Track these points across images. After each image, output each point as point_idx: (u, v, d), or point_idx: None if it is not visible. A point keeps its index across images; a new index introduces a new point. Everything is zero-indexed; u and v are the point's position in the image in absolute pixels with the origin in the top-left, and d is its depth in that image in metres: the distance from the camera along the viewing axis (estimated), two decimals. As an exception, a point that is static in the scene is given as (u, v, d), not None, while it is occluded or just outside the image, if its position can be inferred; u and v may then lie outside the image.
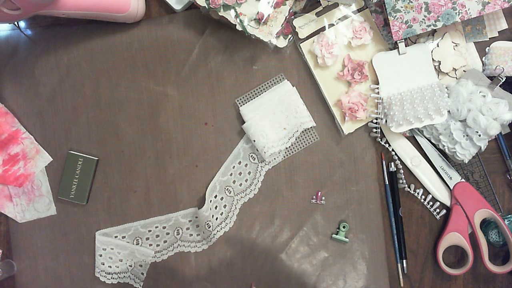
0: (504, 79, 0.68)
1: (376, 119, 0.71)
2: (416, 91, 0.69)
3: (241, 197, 0.74)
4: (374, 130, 0.72)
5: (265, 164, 0.74)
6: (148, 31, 0.73)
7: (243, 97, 0.73)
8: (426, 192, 0.74)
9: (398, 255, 0.73)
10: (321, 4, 0.71)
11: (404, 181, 0.73)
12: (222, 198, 0.74)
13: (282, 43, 0.71)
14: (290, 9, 0.68)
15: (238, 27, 0.67)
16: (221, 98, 0.74)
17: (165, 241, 0.75)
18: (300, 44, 0.72)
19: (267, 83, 0.73)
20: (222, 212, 0.74)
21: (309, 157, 0.74)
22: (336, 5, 0.71)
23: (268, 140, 0.71)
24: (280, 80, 0.73)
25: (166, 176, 0.74)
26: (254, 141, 0.71)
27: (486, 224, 0.72)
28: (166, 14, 0.74)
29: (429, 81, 0.69)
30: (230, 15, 0.67)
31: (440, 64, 0.70)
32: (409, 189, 0.73)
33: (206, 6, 0.67)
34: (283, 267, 0.74)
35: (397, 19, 0.67)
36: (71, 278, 0.75)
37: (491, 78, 0.69)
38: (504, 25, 0.71)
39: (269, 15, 0.67)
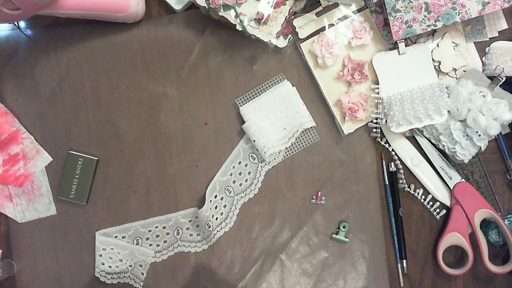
0: (504, 79, 0.68)
1: (376, 119, 0.71)
2: (416, 91, 0.69)
3: (241, 197, 0.74)
4: (374, 130, 0.72)
5: (265, 164, 0.74)
6: (148, 31, 0.73)
7: (243, 97, 0.73)
8: (426, 192, 0.74)
9: (398, 255, 0.73)
10: (321, 4, 0.71)
11: (404, 181, 0.73)
12: (222, 198, 0.74)
13: (282, 43, 0.71)
14: (290, 9, 0.68)
15: (238, 27, 0.67)
16: (221, 98, 0.74)
17: (165, 241, 0.75)
18: (300, 44, 0.72)
19: (267, 83, 0.73)
20: (222, 212, 0.74)
21: (309, 157, 0.74)
22: (336, 5, 0.71)
23: (268, 140, 0.71)
24: (280, 80, 0.73)
25: (166, 176, 0.74)
26: (254, 141, 0.71)
27: (486, 224, 0.72)
28: (166, 14, 0.74)
29: (429, 81, 0.69)
30: (230, 15, 0.67)
31: (440, 64, 0.70)
32: (409, 189, 0.73)
33: (206, 6, 0.67)
34: (283, 267, 0.74)
35: (397, 19, 0.67)
36: (71, 278, 0.75)
37: (491, 78, 0.69)
38: (504, 25, 0.71)
39: (269, 15, 0.67)
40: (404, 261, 0.73)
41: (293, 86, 0.73)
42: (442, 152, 0.73)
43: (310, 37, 0.71)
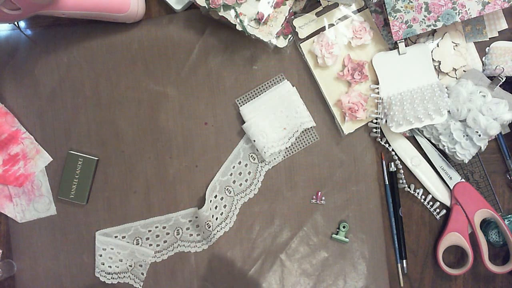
0: (504, 79, 0.68)
1: (376, 119, 0.71)
2: (416, 91, 0.69)
3: (241, 197, 0.74)
4: (374, 130, 0.72)
5: (265, 164, 0.74)
6: (148, 31, 0.73)
7: (243, 97, 0.73)
8: (426, 192, 0.74)
9: (398, 255, 0.73)
10: (321, 4, 0.71)
11: (404, 181, 0.73)
12: (222, 198, 0.74)
13: (282, 43, 0.71)
14: (290, 9, 0.68)
15: (238, 27, 0.67)
16: (221, 98, 0.74)
17: (165, 241, 0.75)
18: (300, 44, 0.72)
19: (267, 83, 0.73)
20: (222, 212, 0.74)
21: (309, 157, 0.74)
22: (336, 5, 0.71)
23: (268, 140, 0.71)
24: (280, 80, 0.73)
25: (166, 176, 0.74)
26: (254, 141, 0.71)
27: (486, 224, 0.72)
28: (166, 14, 0.74)
29: (429, 81, 0.69)
30: (230, 15, 0.67)
31: (440, 64, 0.70)
32: (409, 189, 0.73)
33: (206, 6, 0.67)
34: (283, 267, 0.74)
35: (397, 19, 0.67)
36: (71, 278, 0.75)
37: (491, 78, 0.69)
38: (504, 25, 0.71)
39: (269, 15, 0.67)
40: (404, 261, 0.73)
41: (293, 86, 0.73)
42: (442, 152, 0.73)
43: (310, 37, 0.71)
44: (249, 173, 0.74)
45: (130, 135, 0.74)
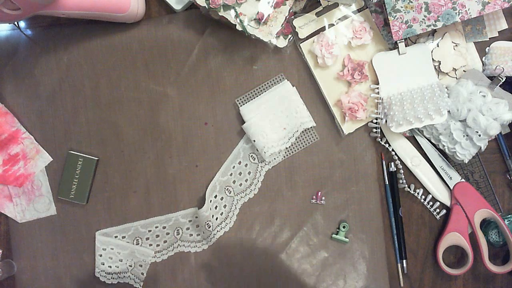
0: (504, 79, 0.68)
1: (376, 119, 0.71)
2: (416, 91, 0.69)
3: (241, 197, 0.74)
4: (374, 130, 0.72)
5: (265, 164, 0.74)
6: (148, 31, 0.73)
7: (243, 97, 0.73)
8: (426, 192, 0.74)
9: (398, 255, 0.73)
10: (321, 4, 0.71)
11: (404, 181, 0.73)
12: (222, 198, 0.74)
13: (282, 43, 0.71)
14: (290, 9, 0.68)
15: (238, 27, 0.67)
16: (221, 98, 0.74)
17: (165, 241, 0.75)
18: (300, 44, 0.72)
19: (267, 83, 0.73)
20: (222, 212, 0.74)
21: (309, 157, 0.74)
22: (336, 5, 0.71)
23: (268, 140, 0.71)
24: (280, 80, 0.73)
25: (166, 176, 0.74)
26: (254, 141, 0.71)
27: (486, 224, 0.72)
28: (166, 14, 0.74)
29: (429, 81, 0.69)
30: (230, 15, 0.67)
31: (440, 64, 0.70)
32: (409, 189, 0.73)
33: (206, 6, 0.67)
34: (283, 267, 0.74)
35: (397, 19, 0.67)
36: (71, 278, 0.75)
37: (491, 78, 0.70)
38: (504, 25, 0.71)
39: (269, 15, 0.67)
40: (404, 261, 0.73)
41: (293, 86, 0.73)
42: (442, 152, 0.73)
43: (310, 37, 0.71)
44: (249, 173, 0.74)
45: (130, 135, 0.74)
